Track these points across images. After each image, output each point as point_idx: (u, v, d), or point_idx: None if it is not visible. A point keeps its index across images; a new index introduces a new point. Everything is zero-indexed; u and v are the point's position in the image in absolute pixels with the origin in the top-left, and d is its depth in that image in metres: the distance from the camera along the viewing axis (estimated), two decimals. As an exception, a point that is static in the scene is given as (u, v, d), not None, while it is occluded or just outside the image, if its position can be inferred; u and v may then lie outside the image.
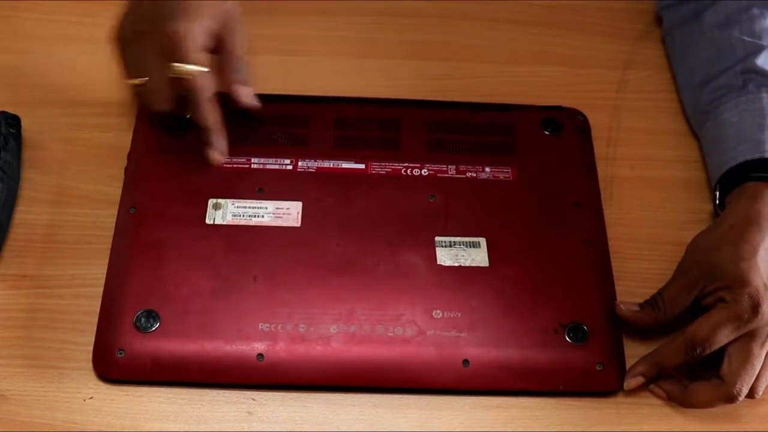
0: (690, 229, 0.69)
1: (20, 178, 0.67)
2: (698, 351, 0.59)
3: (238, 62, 0.65)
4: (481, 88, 0.76)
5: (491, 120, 0.72)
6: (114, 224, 0.65)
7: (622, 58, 0.78)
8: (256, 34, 0.77)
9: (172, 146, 0.67)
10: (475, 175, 0.68)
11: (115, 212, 0.65)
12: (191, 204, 0.65)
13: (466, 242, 0.65)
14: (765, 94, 0.67)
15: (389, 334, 0.61)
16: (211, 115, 0.64)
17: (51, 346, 0.61)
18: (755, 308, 0.58)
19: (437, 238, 0.65)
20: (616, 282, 0.65)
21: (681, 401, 0.61)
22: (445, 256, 0.64)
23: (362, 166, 0.68)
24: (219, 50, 0.64)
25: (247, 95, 0.66)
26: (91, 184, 0.68)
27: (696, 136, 0.73)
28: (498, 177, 0.68)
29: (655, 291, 0.66)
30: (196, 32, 0.62)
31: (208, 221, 0.64)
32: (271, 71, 0.75)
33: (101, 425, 0.58)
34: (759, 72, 0.68)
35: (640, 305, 0.62)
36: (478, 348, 0.61)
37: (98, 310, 0.61)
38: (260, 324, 0.60)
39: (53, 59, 0.75)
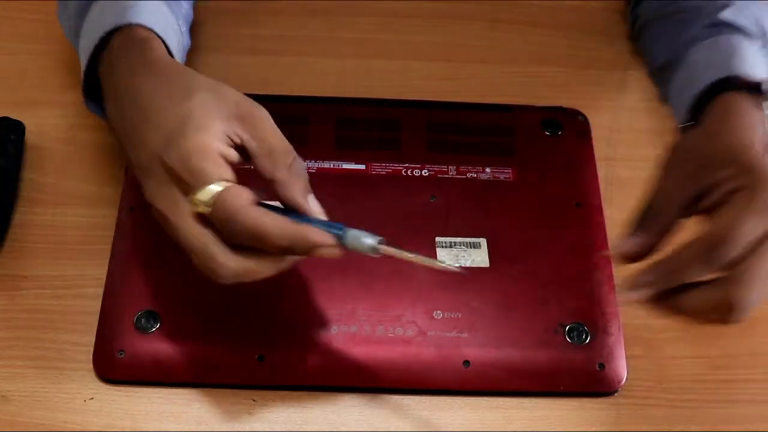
0: (689, 229, 0.69)
1: (20, 179, 0.67)
2: (723, 252, 0.49)
3: (276, 153, 0.51)
4: (482, 88, 0.76)
5: (491, 120, 0.72)
6: (114, 224, 0.65)
7: (622, 59, 0.78)
8: (256, 34, 0.77)
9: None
10: (475, 175, 0.68)
11: (116, 212, 0.65)
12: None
13: (467, 243, 0.65)
14: (726, 36, 0.66)
15: (390, 335, 0.61)
16: (271, 235, 0.49)
17: (51, 347, 0.61)
18: None
19: (437, 239, 0.65)
20: (616, 282, 0.65)
21: (670, 310, 0.52)
22: (445, 257, 0.64)
23: (362, 166, 0.68)
24: (246, 149, 0.52)
25: (297, 195, 0.51)
26: (92, 185, 0.68)
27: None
28: (498, 177, 0.68)
29: (655, 291, 0.66)
30: (195, 146, 0.49)
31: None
32: (271, 71, 0.75)
33: (101, 426, 0.58)
34: (726, 23, 0.68)
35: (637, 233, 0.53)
36: (478, 348, 0.61)
37: (98, 310, 0.61)
38: (261, 324, 0.60)
39: (53, 59, 0.75)
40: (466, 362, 0.61)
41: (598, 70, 0.77)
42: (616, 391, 0.62)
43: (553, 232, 0.66)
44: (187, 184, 0.49)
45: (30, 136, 0.69)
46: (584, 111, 0.73)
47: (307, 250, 0.50)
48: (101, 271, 0.63)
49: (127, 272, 0.62)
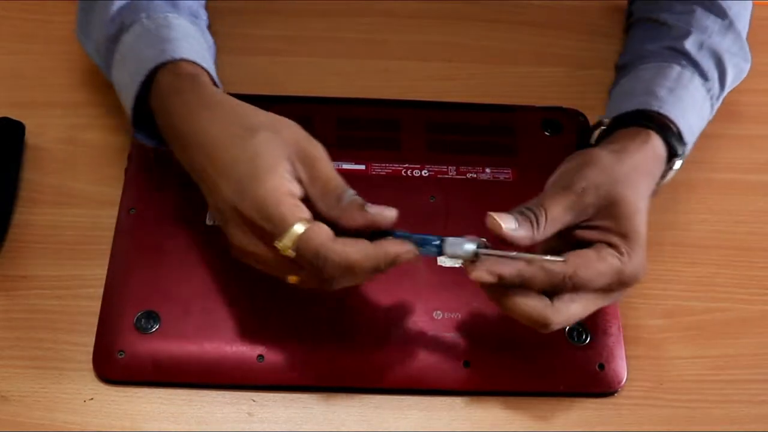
0: (690, 229, 0.70)
1: (20, 179, 0.67)
2: (570, 286, 0.54)
3: (328, 193, 0.54)
4: (482, 88, 0.76)
5: (491, 121, 0.72)
6: (114, 225, 0.65)
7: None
8: (256, 35, 0.77)
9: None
10: (475, 175, 0.68)
11: (116, 213, 0.65)
12: (191, 205, 0.65)
13: (467, 243, 0.65)
14: (680, 67, 0.67)
15: (390, 335, 0.61)
16: (358, 263, 0.52)
17: (51, 347, 0.61)
18: (639, 274, 0.56)
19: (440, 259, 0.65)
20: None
21: (500, 299, 0.55)
22: (445, 257, 0.64)
23: (362, 166, 0.68)
24: (304, 188, 0.54)
25: (362, 217, 0.53)
26: (92, 185, 0.68)
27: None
28: (498, 178, 0.68)
29: (655, 292, 0.66)
30: (269, 192, 0.51)
31: (208, 222, 0.64)
32: (271, 72, 0.75)
33: (101, 426, 0.58)
34: (685, 53, 0.68)
35: (515, 218, 0.55)
36: (478, 349, 0.61)
37: (98, 310, 0.61)
38: (260, 325, 0.60)
39: (53, 59, 0.75)
40: (466, 362, 0.61)
41: (598, 70, 0.77)
42: (616, 392, 0.62)
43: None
44: (266, 230, 0.52)
45: (30, 136, 0.69)
46: (584, 111, 0.73)
47: (390, 263, 0.53)
48: (101, 271, 0.63)
49: (127, 272, 0.62)
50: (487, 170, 0.69)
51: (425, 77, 0.76)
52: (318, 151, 0.54)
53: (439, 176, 0.68)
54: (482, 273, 0.53)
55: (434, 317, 0.62)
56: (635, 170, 0.59)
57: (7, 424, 0.58)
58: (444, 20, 0.80)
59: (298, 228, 0.51)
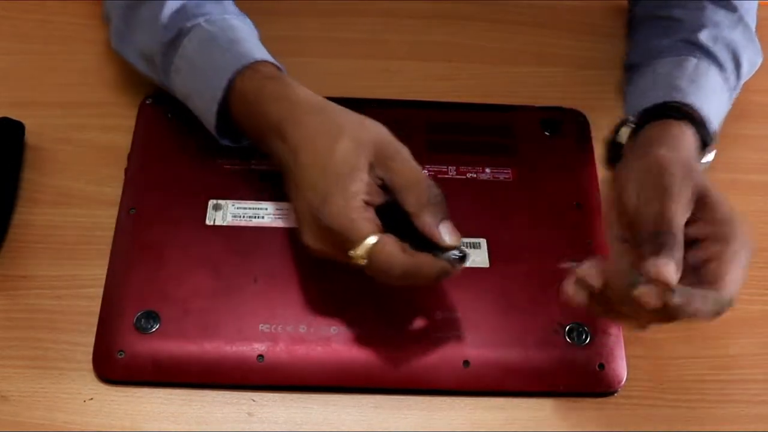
0: (690, 229, 0.69)
1: (20, 179, 0.67)
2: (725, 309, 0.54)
3: (411, 188, 0.57)
4: (481, 88, 0.76)
5: (491, 121, 0.72)
6: (114, 225, 0.65)
7: (622, 59, 0.78)
8: (256, 35, 0.77)
9: (173, 147, 0.67)
10: (475, 175, 0.68)
11: (116, 213, 0.65)
12: (191, 205, 0.65)
13: (467, 243, 0.65)
14: (695, 59, 0.68)
15: (390, 335, 0.61)
16: (420, 273, 0.55)
17: (51, 347, 0.61)
18: (751, 245, 0.56)
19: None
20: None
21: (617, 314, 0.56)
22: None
23: (362, 166, 0.68)
24: (387, 186, 0.57)
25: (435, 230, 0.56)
26: (92, 185, 0.68)
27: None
28: (498, 178, 0.68)
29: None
30: (345, 204, 0.55)
31: (208, 222, 0.64)
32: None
33: (101, 426, 0.58)
34: (700, 45, 0.69)
35: (671, 261, 0.53)
36: (478, 349, 0.61)
37: (98, 310, 0.61)
38: (260, 325, 0.60)
39: (53, 59, 0.75)
40: (466, 362, 0.61)
41: (598, 70, 0.77)
42: (616, 392, 0.61)
43: (553, 233, 0.66)
44: (340, 240, 0.55)
45: (30, 136, 0.69)
46: (584, 111, 0.73)
47: (450, 275, 0.56)
48: (101, 271, 0.63)
49: (127, 272, 0.62)
50: (487, 170, 0.69)
51: (425, 77, 0.76)
52: (398, 148, 0.57)
53: (439, 176, 0.68)
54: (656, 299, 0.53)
55: (434, 317, 0.62)
56: (694, 160, 0.60)
57: (7, 424, 0.58)
58: (444, 20, 0.80)
59: (371, 240, 0.54)
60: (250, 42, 0.63)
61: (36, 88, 0.73)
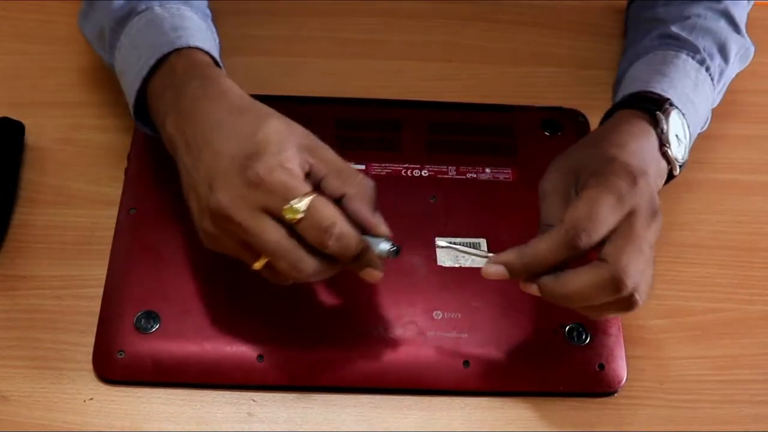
0: (690, 229, 0.70)
1: (20, 179, 0.67)
2: (582, 238, 0.52)
3: (344, 172, 0.55)
4: (481, 88, 0.76)
5: (491, 121, 0.72)
6: (114, 225, 0.65)
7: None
8: (256, 35, 0.77)
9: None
10: (475, 175, 0.68)
11: (115, 213, 0.65)
12: (191, 205, 0.65)
13: (467, 243, 0.65)
14: (663, 51, 0.68)
15: (389, 335, 0.61)
16: (353, 242, 0.53)
17: (51, 347, 0.61)
18: (632, 179, 0.54)
19: (437, 239, 0.65)
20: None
21: (554, 292, 0.54)
22: (445, 257, 0.64)
23: (362, 166, 0.68)
24: (314, 174, 0.55)
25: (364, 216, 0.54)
26: (91, 185, 0.68)
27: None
28: (498, 178, 0.68)
29: (655, 292, 0.66)
30: (281, 164, 0.52)
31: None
32: (271, 72, 0.75)
33: (101, 426, 0.58)
34: (675, 36, 0.69)
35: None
36: (478, 349, 0.61)
37: (98, 310, 0.61)
38: (260, 325, 0.60)
39: (53, 59, 0.75)
40: (466, 362, 0.61)
41: (598, 70, 0.77)
42: (616, 392, 0.61)
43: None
44: (273, 194, 0.52)
45: (30, 136, 0.69)
46: (584, 111, 0.73)
47: (365, 264, 0.55)
48: (101, 271, 0.63)
49: (127, 272, 0.62)
50: (487, 170, 0.69)
51: (425, 77, 0.76)
52: (323, 144, 0.56)
53: (439, 176, 0.68)
54: (491, 268, 0.54)
55: (434, 317, 0.62)
56: (596, 133, 0.61)
57: (7, 424, 0.58)
58: (444, 20, 0.80)
59: (310, 196, 0.52)
60: (195, 32, 0.61)
61: (36, 88, 0.73)
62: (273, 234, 0.52)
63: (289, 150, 0.53)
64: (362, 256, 0.54)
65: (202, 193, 0.54)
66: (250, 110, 0.55)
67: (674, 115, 0.62)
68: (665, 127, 0.61)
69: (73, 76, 0.74)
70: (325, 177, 0.54)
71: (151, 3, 0.63)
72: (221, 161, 0.53)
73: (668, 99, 0.63)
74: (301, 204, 0.51)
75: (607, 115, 0.65)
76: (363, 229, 0.54)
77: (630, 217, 0.53)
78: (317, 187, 0.54)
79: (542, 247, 0.53)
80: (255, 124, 0.54)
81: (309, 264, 0.53)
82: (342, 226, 0.52)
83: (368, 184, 0.55)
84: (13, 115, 0.69)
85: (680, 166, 0.62)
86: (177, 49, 0.60)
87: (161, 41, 0.60)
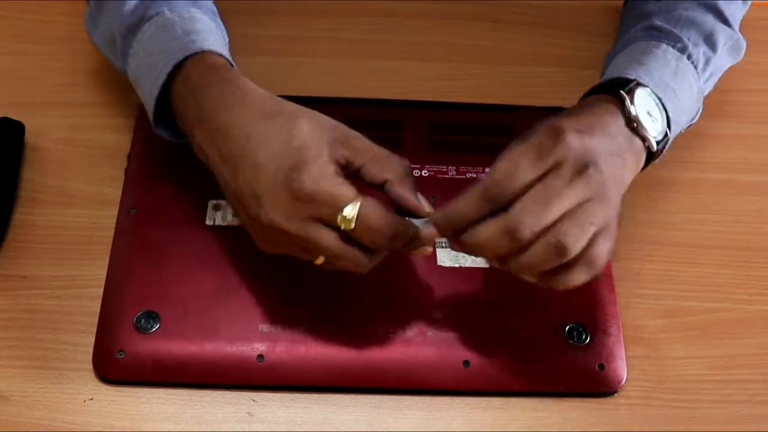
0: (689, 229, 0.70)
1: (20, 179, 0.67)
2: (496, 189, 0.53)
3: (382, 158, 0.56)
4: (482, 89, 0.76)
5: (492, 121, 0.72)
6: (114, 225, 0.65)
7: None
8: (257, 35, 0.77)
9: (173, 147, 0.67)
10: (475, 176, 0.68)
11: (116, 213, 0.65)
12: (191, 205, 0.65)
13: (467, 243, 0.65)
14: (644, 42, 0.67)
15: (389, 335, 0.61)
16: (404, 236, 0.54)
17: (51, 347, 0.61)
18: (557, 135, 0.53)
19: (437, 239, 0.65)
20: (616, 282, 0.65)
21: (464, 245, 0.55)
22: (445, 257, 0.64)
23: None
24: (352, 165, 0.56)
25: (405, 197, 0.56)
26: (92, 185, 0.68)
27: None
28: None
29: (655, 292, 0.66)
30: (324, 171, 0.53)
31: (208, 222, 0.64)
32: (271, 72, 0.75)
33: (101, 426, 0.58)
34: (658, 28, 0.68)
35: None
36: (478, 348, 0.61)
37: (98, 310, 0.61)
38: (260, 325, 0.60)
39: (53, 59, 0.75)
40: (466, 362, 0.61)
41: (598, 70, 0.77)
42: (616, 392, 0.61)
43: None
44: (324, 206, 0.52)
45: (30, 136, 0.69)
46: (584, 111, 0.73)
47: (415, 248, 0.56)
48: (101, 271, 0.63)
49: (127, 272, 0.62)
50: (487, 170, 0.69)
51: (426, 77, 0.76)
52: (354, 132, 0.56)
53: (439, 176, 0.68)
54: (424, 231, 0.55)
55: (434, 317, 0.62)
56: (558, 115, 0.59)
57: (7, 424, 0.58)
58: (444, 20, 0.80)
59: (358, 201, 0.53)
60: (207, 34, 0.62)
61: (36, 88, 0.73)
62: (329, 240, 0.54)
63: (326, 151, 0.54)
64: (414, 241, 0.55)
65: (249, 206, 0.55)
66: (277, 113, 0.56)
67: (641, 93, 0.61)
68: (629, 103, 0.60)
69: (73, 76, 0.74)
70: (363, 166, 0.55)
71: (160, 7, 0.63)
72: (264, 176, 0.53)
73: (634, 79, 0.62)
74: (353, 212, 0.52)
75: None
76: (408, 211, 0.56)
77: (549, 171, 0.53)
78: (356, 175, 0.55)
79: (463, 202, 0.54)
80: (287, 129, 0.54)
81: (365, 260, 0.55)
82: (393, 225, 0.53)
83: (404, 165, 0.56)
84: (13, 115, 0.69)
85: (659, 143, 0.61)
86: (191, 55, 0.60)
87: (174, 47, 0.60)
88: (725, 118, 0.75)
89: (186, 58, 0.59)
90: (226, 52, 0.62)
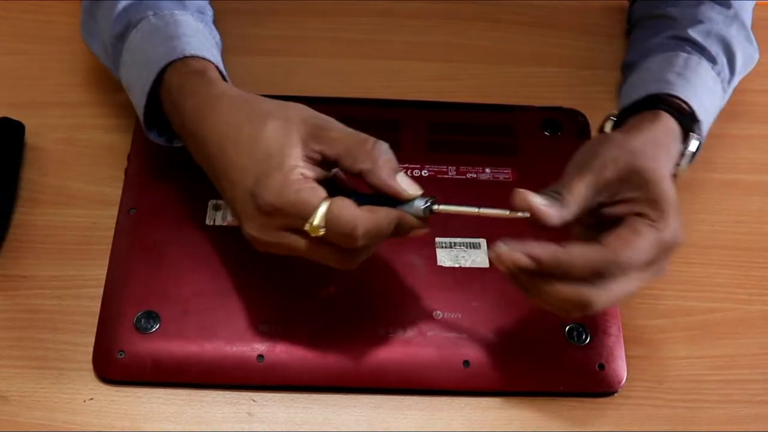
0: (689, 229, 0.69)
1: (20, 179, 0.67)
2: (610, 272, 0.53)
3: (353, 148, 0.54)
4: (482, 88, 0.76)
5: (491, 121, 0.72)
6: (114, 225, 0.65)
7: (622, 59, 0.78)
8: (257, 35, 0.77)
9: (173, 148, 0.67)
10: (475, 176, 0.68)
11: (115, 213, 0.65)
12: (191, 205, 0.65)
13: (467, 243, 0.65)
14: (686, 54, 0.68)
15: (389, 335, 0.61)
16: (382, 229, 0.53)
17: (51, 347, 0.61)
18: (678, 238, 0.54)
19: (437, 239, 0.65)
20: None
21: (532, 286, 0.54)
22: (445, 257, 0.64)
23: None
24: (326, 159, 0.54)
25: (391, 181, 0.54)
26: (92, 185, 0.68)
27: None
28: (498, 178, 0.68)
29: (655, 292, 0.66)
30: (286, 180, 0.52)
31: (208, 222, 0.64)
32: (271, 72, 0.75)
33: (101, 426, 0.58)
34: (690, 40, 0.69)
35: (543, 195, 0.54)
36: (478, 349, 0.61)
37: (98, 310, 0.61)
38: (260, 325, 0.60)
39: (53, 59, 0.75)
40: (466, 362, 0.61)
41: (598, 70, 0.77)
42: (616, 392, 0.61)
43: (553, 232, 0.66)
44: (290, 216, 0.52)
45: (30, 136, 0.69)
46: (584, 111, 0.73)
47: (407, 231, 0.54)
48: (101, 271, 0.63)
49: (127, 272, 0.62)
50: (487, 170, 0.69)
51: (425, 77, 0.76)
52: (327, 121, 0.55)
53: (439, 176, 0.68)
54: (519, 256, 0.52)
55: (434, 318, 0.62)
56: (650, 143, 0.59)
57: (7, 424, 0.58)
58: (444, 20, 0.80)
59: (323, 206, 0.52)
60: (189, 37, 0.61)
61: (36, 88, 0.73)
62: (304, 246, 0.53)
63: (292, 153, 0.53)
64: (399, 228, 0.54)
65: (234, 217, 0.57)
66: (245, 120, 0.55)
67: (697, 137, 0.64)
68: (689, 149, 0.63)
69: (73, 76, 0.74)
70: (337, 158, 0.54)
71: (145, 13, 0.62)
72: (236, 192, 0.54)
73: (700, 121, 0.64)
74: (318, 219, 0.52)
75: (634, 107, 0.65)
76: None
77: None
78: (334, 166, 0.54)
79: (578, 262, 0.52)
80: (253, 137, 0.53)
81: (351, 256, 0.54)
82: (364, 223, 0.52)
83: (380, 150, 0.54)
84: (13, 115, 0.69)
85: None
86: (170, 63, 0.59)
87: (156, 56, 0.60)
88: (730, 118, 0.75)
89: (166, 67, 0.59)
90: (207, 53, 0.61)
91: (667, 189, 0.55)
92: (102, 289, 0.62)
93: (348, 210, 0.52)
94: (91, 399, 0.59)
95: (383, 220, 0.53)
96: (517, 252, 0.53)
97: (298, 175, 0.52)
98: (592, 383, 0.61)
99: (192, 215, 0.65)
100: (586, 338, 0.62)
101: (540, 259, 0.52)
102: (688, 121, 0.63)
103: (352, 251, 0.54)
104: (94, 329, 0.60)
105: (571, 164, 0.58)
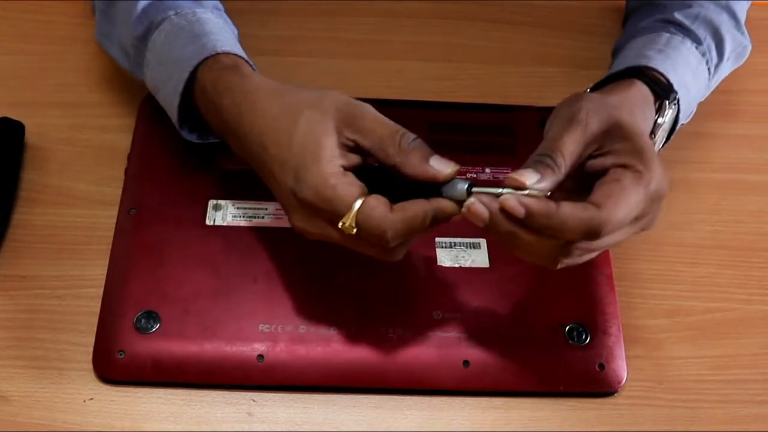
0: (690, 229, 0.70)
1: (20, 179, 0.67)
2: (601, 231, 0.52)
3: (385, 142, 0.54)
4: (482, 88, 0.76)
5: (491, 121, 0.72)
6: (114, 225, 0.65)
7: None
8: (257, 35, 0.77)
9: (173, 147, 0.67)
10: (475, 176, 0.68)
11: (115, 213, 0.65)
12: (191, 205, 0.65)
13: (467, 243, 0.65)
14: (668, 34, 0.68)
15: (389, 335, 0.61)
16: (414, 228, 0.53)
17: (51, 347, 0.61)
18: (663, 187, 0.54)
19: (437, 239, 0.65)
20: (616, 282, 0.65)
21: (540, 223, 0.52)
22: (445, 257, 0.64)
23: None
24: (361, 147, 0.55)
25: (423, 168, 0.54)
26: (92, 185, 0.68)
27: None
28: (498, 178, 0.68)
29: (655, 292, 0.66)
30: (322, 175, 0.53)
31: (208, 222, 0.64)
32: (271, 72, 0.74)
33: (101, 426, 0.58)
34: (677, 23, 0.69)
35: (535, 169, 0.53)
36: (478, 349, 0.61)
37: (98, 310, 0.61)
38: (260, 325, 0.60)
39: (53, 59, 0.75)
40: (466, 362, 0.61)
41: (598, 70, 0.77)
42: (616, 392, 0.62)
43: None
44: (327, 213, 0.53)
45: (30, 136, 0.69)
46: (584, 111, 0.73)
47: (446, 219, 0.54)
48: (101, 271, 0.63)
49: (127, 272, 0.62)
50: (487, 170, 0.69)
51: (425, 77, 0.76)
52: (361, 108, 0.55)
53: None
54: (514, 203, 0.51)
55: (434, 317, 0.62)
56: (625, 102, 0.61)
57: (7, 424, 0.58)
58: (444, 20, 0.80)
59: (357, 204, 0.52)
60: (216, 35, 0.62)
61: (36, 88, 0.73)
62: (344, 240, 0.55)
63: (327, 144, 0.53)
64: (437, 219, 0.54)
65: (284, 210, 0.57)
66: (281, 112, 0.56)
67: (673, 108, 0.64)
68: (663, 119, 0.63)
69: (73, 76, 0.74)
70: (370, 151, 0.54)
71: (167, 13, 0.63)
72: (280, 189, 0.56)
73: (676, 93, 0.64)
74: (350, 220, 0.53)
75: (612, 77, 0.66)
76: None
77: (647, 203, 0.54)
78: (369, 154, 0.55)
79: (570, 222, 0.51)
80: (289, 129, 0.54)
81: (390, 251, 0.55)
82: (393, 225, 0.52)
83: (407, 142, 0.54)
84: (13, 115, 0.69)
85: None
86: (202, 61, 0.60)
87: (186, 54, 0.60)
88: (729, 117, 0.75)
89: (198, 65, 0.60)
90: (236, 48, 0.62)
91: (647, 142, 0.55)
92: (102, 289, 0.62)
93: (378, 212, 0.52)
94: (91, 399, 0.59)
95: (416, 218, 0.53)
96: (512, 200, 0.52)
97: (335, 167, 0.53)
98: (592, 383, 0.61)
99: (192, 215, 0.65)
100: (586, 338, 0.62)
101: (532, 212, 0.51)
102: (663, 91, 0.64)
103: (389, 248, 0.54)
104: (94, 329, 0.60)
105: (552, 122, 0.57)
